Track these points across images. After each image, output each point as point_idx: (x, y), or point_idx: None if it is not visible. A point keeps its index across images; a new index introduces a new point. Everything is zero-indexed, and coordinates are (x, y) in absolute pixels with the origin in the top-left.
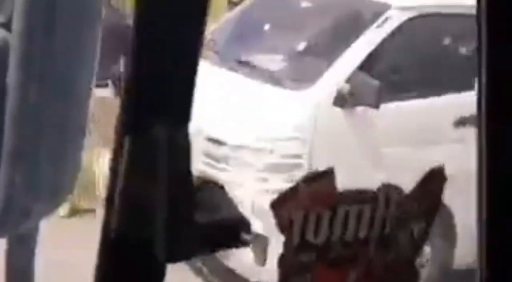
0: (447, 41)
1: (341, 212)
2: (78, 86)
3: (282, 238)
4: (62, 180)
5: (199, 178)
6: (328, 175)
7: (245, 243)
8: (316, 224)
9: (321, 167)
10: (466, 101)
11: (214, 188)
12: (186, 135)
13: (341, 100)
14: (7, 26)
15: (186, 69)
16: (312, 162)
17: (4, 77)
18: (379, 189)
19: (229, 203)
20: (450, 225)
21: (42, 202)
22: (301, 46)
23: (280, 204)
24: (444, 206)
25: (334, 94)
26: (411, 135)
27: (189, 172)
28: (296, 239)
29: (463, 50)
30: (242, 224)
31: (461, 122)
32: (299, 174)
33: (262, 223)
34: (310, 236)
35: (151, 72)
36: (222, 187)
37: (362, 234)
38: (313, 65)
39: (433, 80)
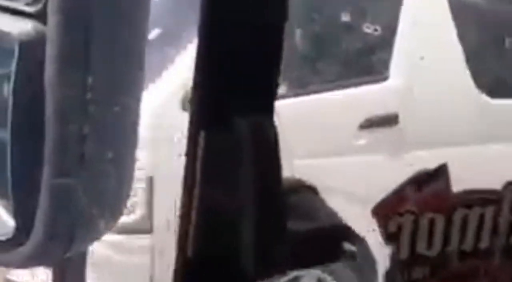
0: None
1: (458, 217)
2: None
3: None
4: (123, 188)
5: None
6: (441, 173)
7: (350, 256)
8: (428, 233)
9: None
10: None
11: (306, 191)
12: (273, 125)
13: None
14: (39, 17)
15: (271, 49)
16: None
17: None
18: (505, 187)
19: (326, 208)
20: None
21: (106, 216)
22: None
23: (384, 210)
24: None
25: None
26: None
27: (279, 170)
28: (405, 251)
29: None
30: (344, 234)
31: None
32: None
33: None
34: (421, 247)
35: (229, 53)
36: (315, 190)
37: (483, 244)
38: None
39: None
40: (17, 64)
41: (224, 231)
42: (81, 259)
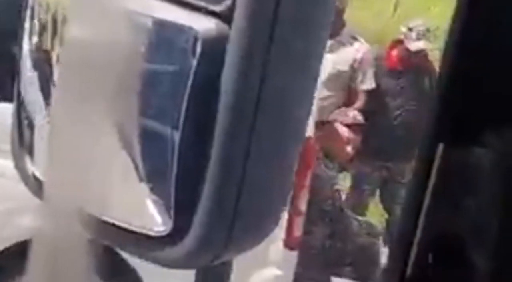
0: None
1: None
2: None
3: None
4: (283, 197)
5: None
6: None
7: None
8: None
9: None
10: None
11: None
12: None
13: None
14: (225, 17)
15: None
16: None
17: (217, 76)
18: None
19: None
20: None
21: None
22: None
23: None
24: None
25: None
26: None
27: None
28: None
29: None
30: None
31: None
32: None
33: None
34: None
35: (483, 60)
36: None
37: None
38: None
39: None
40: (198, 62)
41: (450, 255)
42: (226, 268)
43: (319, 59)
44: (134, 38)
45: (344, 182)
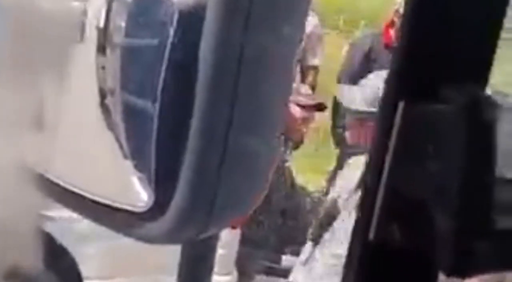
0: None
1: None
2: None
3: None
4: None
5: None
6: None
7: None
8: None
9: None
10: None
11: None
12: (490, 101)
13: None
14: None
15: (492, 16)
16: None
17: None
18: None
19: None
20: None
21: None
22: None
23: None
24: None
25: None
26: None
27: (493, 156)
28: None
29: None
30: None
31: None
32: None
33: None
34: None
35: (445, 14)
36: None
37: None
38: None
39: None
40: (175, 33)
41: (414, 215)
42: (212, 244)
43: (300, 18)
44: (110, 11)
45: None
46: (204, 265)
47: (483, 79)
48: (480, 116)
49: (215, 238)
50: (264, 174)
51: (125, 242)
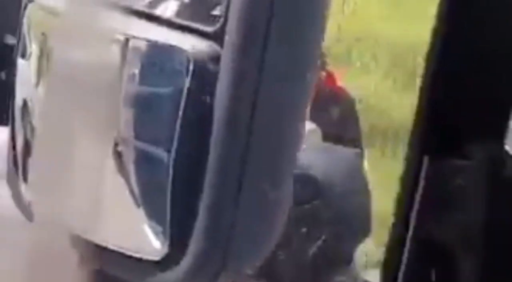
0: None
1: None
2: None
3: None
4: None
5: None
6: None
7: None
8: None
9: None
10: None
11: None
12: (509, 156)
13: None
14: (216, 38)
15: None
16: None
17: (210, 97)
18: None
19: None
20: None
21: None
22: None
23: None
24: None
25: None
26: None
27: None
28: None
29: None
30: None
31: None
32: None
33: None
34: None
35: (463, 73)
36: None
37: None
38: None
39: None
40: (190, 83)
41: (440, 266)
42: None
43: (313, 68)
44: (124, 60)
45: None
46: None
47: (502, 135)
48: (501, 173)
49: None
50: (278, 220)
51: None
